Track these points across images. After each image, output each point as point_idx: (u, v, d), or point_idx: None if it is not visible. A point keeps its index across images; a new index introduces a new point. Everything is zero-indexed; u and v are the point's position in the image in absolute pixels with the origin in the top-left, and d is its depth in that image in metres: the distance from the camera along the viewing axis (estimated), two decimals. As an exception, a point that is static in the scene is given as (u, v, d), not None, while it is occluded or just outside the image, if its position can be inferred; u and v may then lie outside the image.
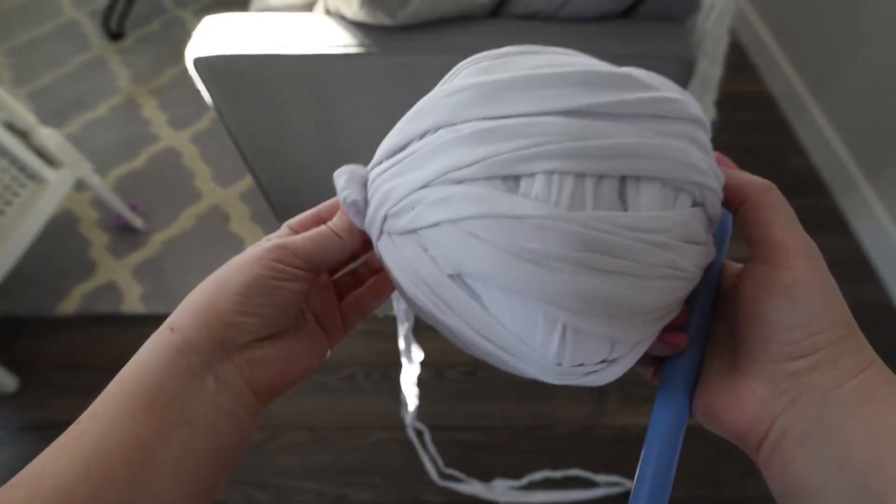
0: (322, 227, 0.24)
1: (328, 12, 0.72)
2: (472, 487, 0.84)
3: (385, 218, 0.22)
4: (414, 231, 0.20)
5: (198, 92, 0.74)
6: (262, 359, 0.21)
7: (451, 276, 0.20)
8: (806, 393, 0.19)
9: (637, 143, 0.19)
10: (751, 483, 0.86)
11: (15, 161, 0.87)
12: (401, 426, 0.90)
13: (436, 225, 0.20)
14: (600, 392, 0.95)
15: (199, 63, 0.67)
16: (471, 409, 0.93)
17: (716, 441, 0.92)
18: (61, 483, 0.16)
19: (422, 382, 0.60)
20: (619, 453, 0.89)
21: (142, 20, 1.62)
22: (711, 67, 0.74)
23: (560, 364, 0.20)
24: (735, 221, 0.24)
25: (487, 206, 0.19)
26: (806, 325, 0.19)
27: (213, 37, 0.67)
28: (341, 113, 0.74)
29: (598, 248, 0.18)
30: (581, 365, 0.20)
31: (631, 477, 0.86)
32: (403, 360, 0.44)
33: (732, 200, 0.22)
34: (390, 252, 0.22)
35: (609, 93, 0.19)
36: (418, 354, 0.43)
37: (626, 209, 0.19)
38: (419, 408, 0.91)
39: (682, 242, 0.19)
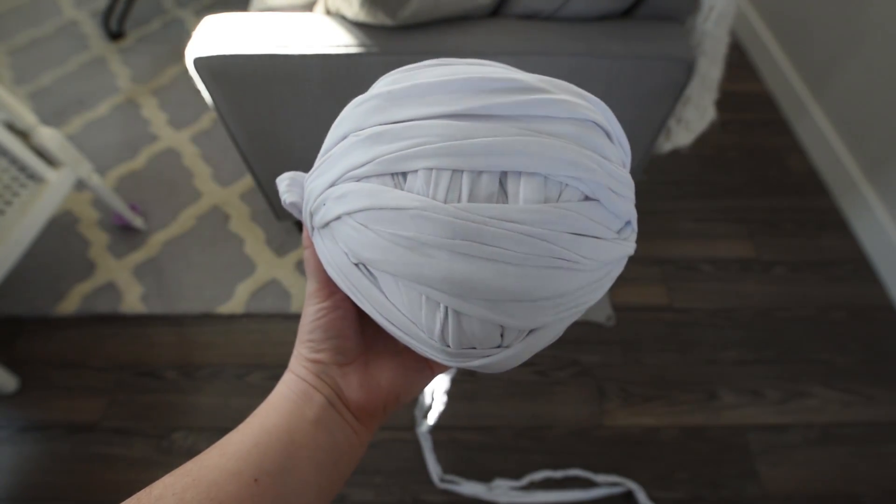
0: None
1: (328, 12, 0.72)
2: (473, 488, 0.84)
3: (311, 215, 0.24)
4: (326, 225, 0.23)
5: (198, 92, 0.74)
6: (347, 383, 0.26)
7: (356, 265, 0.22)
8: None
9: (513, 141, 0.20)
10: (750, 483, 0.86)
11: (15, 161, 0.87)
12: (401, 426, 0.90)
13: (338, 218, 0.22)
14: (600, 392, 0.95)
15: (199, 63, 0.67)
16: (471, 409, 0.93)
17: (716, 441, 0.92)
18: (239, 448, 0.22)
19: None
20: (619, 453, 0.89)
21: (142, 20, 1.62)
22: (711, 67, 0.74)
23: (448, 346, 0.21)
24: None
25: (374, 199, 0.21)
26: None
27: (213, 37, 0.67)
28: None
29: (469, 236, 0.20)
30: (473, 348, 0.22)
31: (631, 477, 0.86)
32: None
33: None
34: (318, 245, 0.24)
35: (490, 96, 0.21)
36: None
37: (507, 202, 0.20)
38: (419, 410, 0.91)
39: (567, 234, 0.20)
